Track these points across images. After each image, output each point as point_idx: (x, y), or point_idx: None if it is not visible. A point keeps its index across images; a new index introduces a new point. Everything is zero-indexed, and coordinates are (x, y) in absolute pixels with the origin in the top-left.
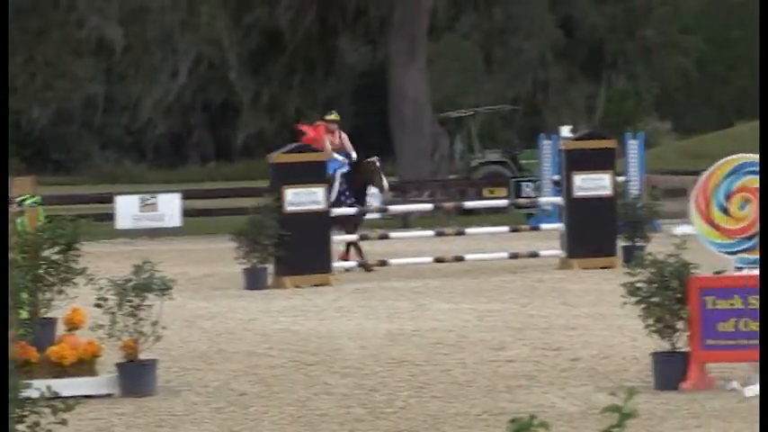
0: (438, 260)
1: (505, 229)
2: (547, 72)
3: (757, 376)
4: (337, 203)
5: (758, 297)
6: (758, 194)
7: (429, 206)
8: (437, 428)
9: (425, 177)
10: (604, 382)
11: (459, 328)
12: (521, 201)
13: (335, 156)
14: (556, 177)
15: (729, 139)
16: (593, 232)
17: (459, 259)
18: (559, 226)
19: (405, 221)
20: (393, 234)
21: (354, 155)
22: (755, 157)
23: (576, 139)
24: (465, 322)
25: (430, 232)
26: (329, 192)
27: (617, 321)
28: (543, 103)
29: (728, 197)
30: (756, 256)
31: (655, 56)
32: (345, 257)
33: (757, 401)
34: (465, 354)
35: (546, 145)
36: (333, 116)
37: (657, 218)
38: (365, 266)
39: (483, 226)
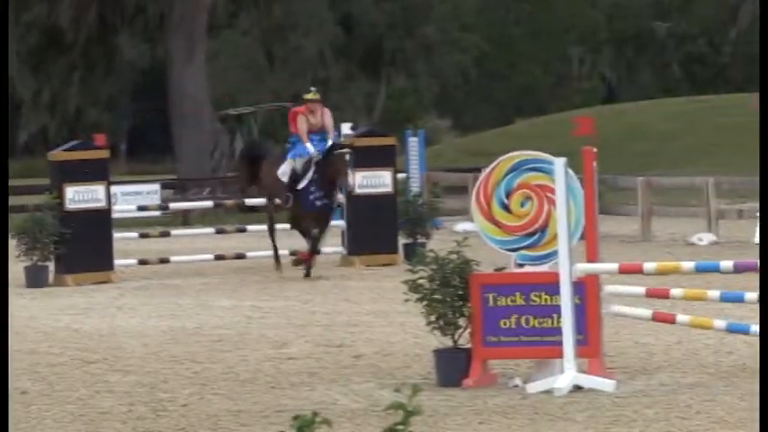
0: (219, 257)
1: (286, 226)
2: (327, 69)
3: (539, 373)
4: (305, 194)
5: (540, 294)
6: (539, 191)
7: (209, 203)
8: (219, 426)
9: (206, 175)
10: (387, 379)
11: (242, 325)
12: None
13: (308, 146)
14: None
15: (509, 137)
16: (374, 229)
17: (241, 257)
18: (341, 223)
19: (185, 219)
20: (174, 231)
21: (332, 137)
22: (535, 153)
23: (357, 137)
24: (247, 319)
25: (210, 229)
26: (296, 176)
27: (399, 318)
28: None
29: (509, 194)
30: (538, 252)
31: (434, 54)
32: (307, 258)
33: (539, 397)
34: (247, 351)
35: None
36: (311, 95)
37: (438, 215)
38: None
39: (264, 223)
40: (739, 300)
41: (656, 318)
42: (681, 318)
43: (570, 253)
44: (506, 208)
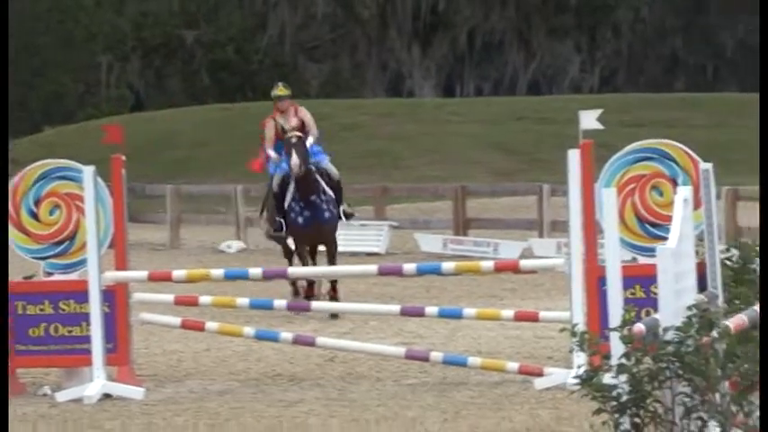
0: None
1: None
2: None
3: (69, 382)
4: (289, 214)
5: (69, 302)
6: (68, 200)
7: None
8: None
9: None
10: None
11: None
12: None
13: (271, 154)
14: None
15: (38, 145)
16: None
17: None
18: None
19: None
20: None
21: (312, 137)
22: (64, 162)
23: None
24: None
25: None
26: (280, 195)
27: None
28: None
29: (37, 203)
30: (67, 260)
31: None
32: (310, 293)
33: (69, 406)
34: None
35: None
36: (279, 90)
37: None
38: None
39: None
40: (268, 307)
41: (186, 325)
42: (210, 325)
43: (99, 261)
44: (35, 216)
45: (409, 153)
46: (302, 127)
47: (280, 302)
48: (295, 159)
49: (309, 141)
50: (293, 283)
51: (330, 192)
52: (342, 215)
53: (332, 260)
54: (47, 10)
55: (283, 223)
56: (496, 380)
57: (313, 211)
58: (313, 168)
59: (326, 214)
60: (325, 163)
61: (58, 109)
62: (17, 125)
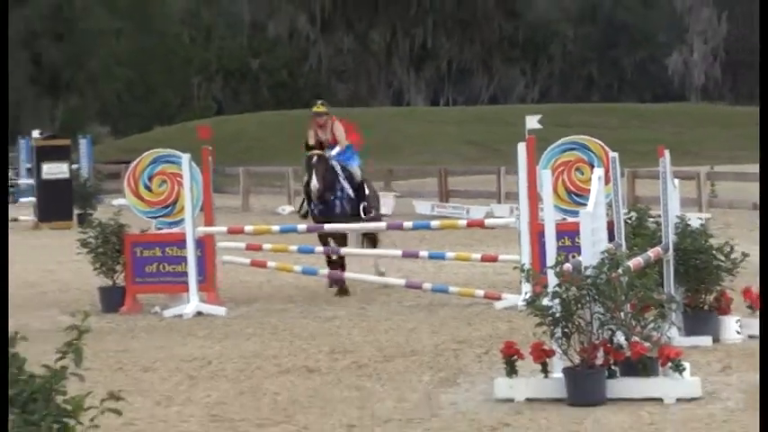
0: None
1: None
2: (22, 92)
3: (173, 303)
4: (311, 205)
5: (173, 248)
6: (172, 177)
7: None
8: None
9: None
10: (66, 308)
11: None
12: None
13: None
14: (29, 165)
15: (149, 140)
16: (56, 203)
17: None
18: (32, 199)
19: None
20: None
21: (335, 151)
22: (169, 150)
23: (44, 139)
24: None
25: None
26: (306, 194)
27: (75, 266)
28: (19, 114)
29: (150, 178)
30: (171, 219)
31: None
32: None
33: (173, 320)
34: None
35: (22, 143)
36: (317, 108)
37: (101, 194)
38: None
39: None
40: (310, 252)
41: (253, 264)
42: (270, 264)
43: (193, 219)
44: (149, 188)
45: (407, 145)
46: (334, 139)
47: (319, 248)
48: (315, 183)
49: (336, 150)
50: (329, 260)
51: (349, 189)
52: (362, 212)
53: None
54: (155, 45)
55: (309, 211)
56: (468, 302)
57: (327, 206)
58: (337, 165)
59: (338, 210)
60: (353, 165)
61: (164, 114)
62: (136, 125)
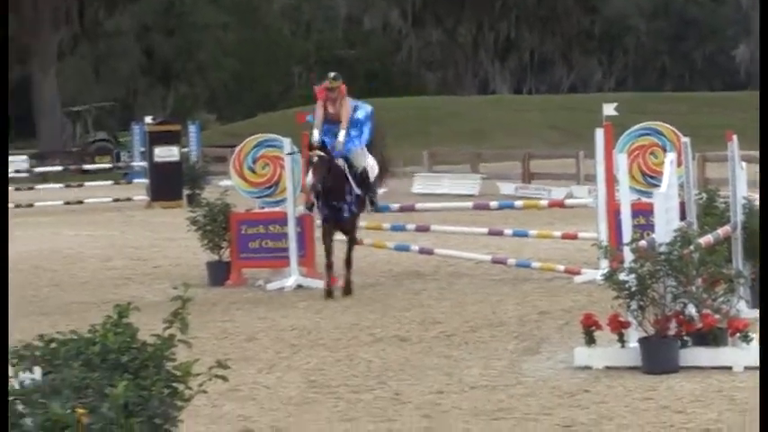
0: (66, 203)
1: (110, 182)
2: (135, 82)
3: (275, 277)
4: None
5: (275, 225)
6: (274, 160)
7: (60, 168)
8: (68, 313)
9: (58, 149)
10: (176, 281)
11: (81, 246)
12: (120, 165)
13: (314, 134)
14: (142, 149)
15: (254, 125)
16: (167, 184)
17: (80, 202)
18: (145, 180)
19: (44, 178)
20: (38, 186)
21: (341, 136)
22: (271, 135)
23: (156, 125)
24: (84, 243)
25: (60, 185)
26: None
27: (184, 243)
28: (133, 102)
29: (254, 161)
30: (274, 199)
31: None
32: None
33: (275, 292)
34: (85, 264)
35: (136, 128)
36: (329, 82)
37: (209, 175)
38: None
39: (96, 181)
40: (402, 229)
41: None
42: (366, 241)
43: (294, 199)
44: (253, 170)
45: (493, 131)
46: (339, 117)
47: (410, 226)
48: (310, 179)
49: (342, 135)
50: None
51: (356, 188)
52: (369, 204)
53: (349, 251)
54: (259, 38)
55: (315, 206)
56: (549, 277)
57: (333, 211)
58: (343, 164)
59: (345, 214)
60: (354, 152)
61: (266, 102)
62: (240, 112)
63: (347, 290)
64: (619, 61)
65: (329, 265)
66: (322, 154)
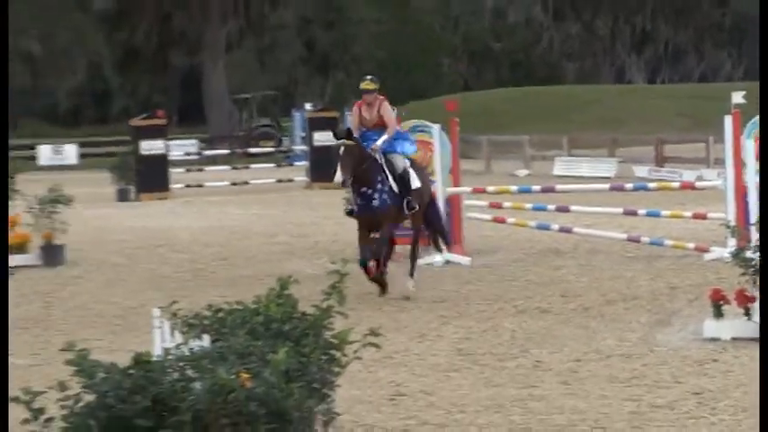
0: (233, 183)
1: (273, 165)
2: (296, 72)
3: (425, 254)
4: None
5: None
6: (425, 144)
7: (227, 151)
8: (236, 284)
9: (226, 134)
10: (334, 257)
11: (247, 224)
12: (282, 148)
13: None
14: (303, 134)
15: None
16: (326, 167)
17: (246, 183)
18: (305, 163)
19: (213, 161)
20: (207, 168)
21: (381, 141)
22: (422, 121)
23: (315, 111)
24: (250, 220)
25: (227, 167)
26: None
27: (341, 221)
28: (294, 91)
29: None
30: None
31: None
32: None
33: (423, 267)
34: (251, 240)
35: (296, 115)
36: (365, 84)
37: None
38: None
39: (260, 163)
40: (543, 209)
41: (495, 220)
42: (510, 220)
43: (443, 181)
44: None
45: (628, 118)
46: (381, 120)
47: (551, 206)
48: (338, 175)
49: (383, 139)
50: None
51: (392, 182)
52: (405, 207)
53: (414, 246)
54: (410, 31)
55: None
56: (681, 254)
57: (365, 200)
58: (379, 157)
59: (376, 203)
60: (397, 153)
61: (417, 91)
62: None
63: (380, 281)
64: (747, 53)
65: (370, 269)
66: (349, 143)
